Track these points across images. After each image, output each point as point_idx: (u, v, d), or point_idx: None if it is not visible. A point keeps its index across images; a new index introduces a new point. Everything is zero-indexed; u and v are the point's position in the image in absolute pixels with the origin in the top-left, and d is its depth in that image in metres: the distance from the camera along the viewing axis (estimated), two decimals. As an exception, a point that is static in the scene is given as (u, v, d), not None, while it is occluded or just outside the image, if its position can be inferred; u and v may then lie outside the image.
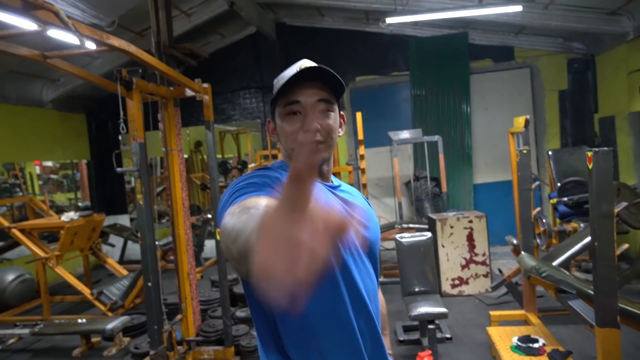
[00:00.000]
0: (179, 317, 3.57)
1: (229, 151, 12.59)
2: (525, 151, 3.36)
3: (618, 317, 2.11)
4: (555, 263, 3.30)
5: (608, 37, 5.75)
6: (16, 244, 5.93)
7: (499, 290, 4.75)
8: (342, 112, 1.10)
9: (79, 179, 10.58)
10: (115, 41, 2.49)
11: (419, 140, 6.24)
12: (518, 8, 4.45)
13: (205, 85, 3.56)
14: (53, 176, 12.63)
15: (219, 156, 12.61)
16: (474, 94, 6.87)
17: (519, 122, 4.83)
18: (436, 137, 5.98)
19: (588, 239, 3.45)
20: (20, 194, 9.56)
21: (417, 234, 3.79)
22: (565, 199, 4.80)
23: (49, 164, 12.13)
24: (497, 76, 6.87)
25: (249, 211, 0.67)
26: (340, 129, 1.08)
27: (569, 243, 3.67)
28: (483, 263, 4.89)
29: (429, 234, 3.75)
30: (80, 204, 10.15)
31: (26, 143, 6.50)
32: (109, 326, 3.95)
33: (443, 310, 3.26)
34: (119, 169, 2.99)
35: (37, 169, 12.02)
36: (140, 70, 3.23)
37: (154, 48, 3.63)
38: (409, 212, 7.05)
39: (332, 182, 1.12)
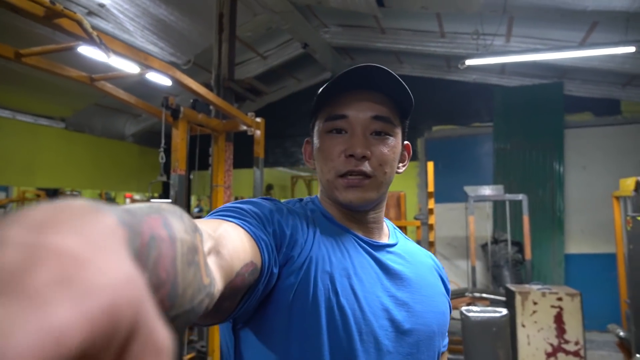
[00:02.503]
0: (202, 372, 3.18)
1: (300, 196, 12.50)
2: (639, 218, 2.62)
3: None
4: (682, 372, 2.43)
5: None
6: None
7: (597, 392, 3.76)
8: (407, 142, 0.79)
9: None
10: (157, 63, 2.32)
11: (499, 198, 5.48)
12: (630, 49, 3.74)
13: (259, 119, 3.32)
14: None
15: (290, 200, 12.58)
16: (568, 150, 6.01)
17: (627, 184, 4.04)
18: (520, 196, 5.20)
19: None
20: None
21: (490, 308, 3.10)
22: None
23: (138, 197, 12.92)
24: (599, 132, 5.97)
25: None
26: (401, 164, 0.77)
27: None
28: (576, 354, 3.92)
29: (504, 311, 3.04)
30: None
31: (105, 173, 6.82)
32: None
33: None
34: (152, 200, 2.77)
35: (128, 202, 12.89)
36: (191, 100, 3.08)
37: (213, 80, 3.51)
38: (484, 279, 6.18)
39: (383, 240, 0.76)
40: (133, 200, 12.91)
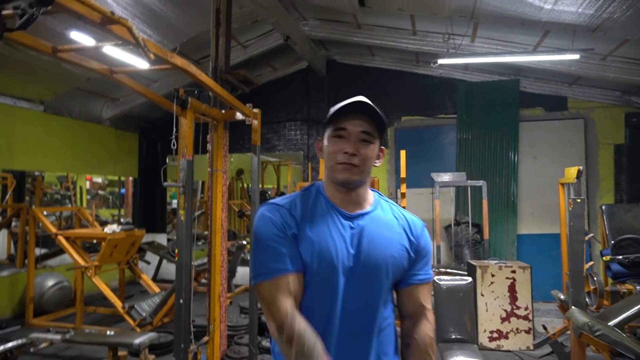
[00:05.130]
0: (205, 338, 3.53)
1: (268, 182, 12.78)
2: (579, 200, 3.19)
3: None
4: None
5: (670, 92, 5.52)
6: (59, 252, 6.15)
7: (542, 350, 4.42)
8: (382, 147, 1.26)
9: (125, 195, 10.99)
10: (178, 60, 2.61)
11: (462, 184, 6.09)
12: (575, 56, 4.36)
13: (256, 110, 3.65)
14: (101, 192, 13.23)
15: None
16: (522, 141, 6.70)
17: (571, 172, 4.65)
18: (480, 182, 5.83)
19: (646, 302, 3.17)
20: (70, 205, 9.98)
21: (457, 277, 3.63)
22: (621, 257, 4.48)
23: (99, 180, 12.68)
24: (549, 125, 6.69)
25: (271, 309, 1.11)
26: (377, 160, 1.24)
27: (623, 305, 3.39)
28: (525, 317, 4.58)
29: (469, 279, 3.58)
30: (122, 220, 10.49)
31: (82, 156, 6.85)
32: (137, 341, 3.93)
33: (481, 362, 3.05)
34: (165, 183, 3.06)
35: (87, 184, 12.61)
36: (195, 92, 3.36)
37: (211, 72, 3.79)
38: (447, 257, 6.81)
39: (360, 210, 1.22)
40: (92, 183, 12.71)
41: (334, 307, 1.14)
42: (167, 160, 7.58)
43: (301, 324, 1.06)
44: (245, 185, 12.23)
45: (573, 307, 2.94)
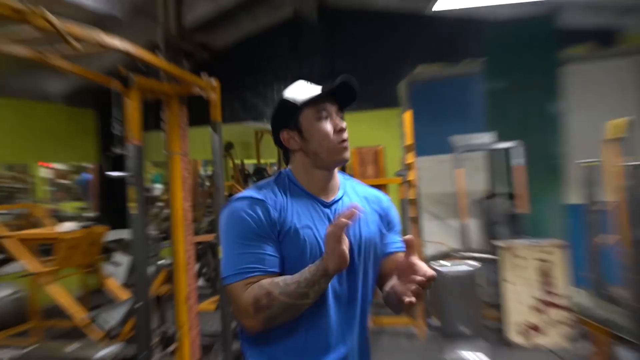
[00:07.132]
0: (172, 347, 4.05)
1: (269, 155, 13.18)
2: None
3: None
4: None
5: None
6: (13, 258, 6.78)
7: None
8: None
9: (89, 185, 11.55)
10: (109, 40, 3.02)
11: (490, 147, 6.37)
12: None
13: (213, 81, 4.05)
14: (62, 181, 13.87)
15: (255, 162, 13.25)
16: (569, 89, 6.89)
17: (618, 125, 4.86)
18: (512, 144, 6.09)
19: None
20: (23, 200, 10.63)
21: (462, 262, 4.03)
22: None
23: (60, 166, 13.29)
24: (601, 67, 6.86)
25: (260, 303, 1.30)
26: None
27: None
28: (564, 307, 4.94)
29: (476, 264, 3.98)
30: (88, 214, 11.11)
31: (29, 142, 7.37)
32: (97, 355, 4.50)
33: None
34: (109, 173, 3.53)
35: (46, 172, 13.20)
36: (141, 66, 3.78)
37: (159, 38, 4.19)
38: (480, 237, 7.12)
39: (333, 196, 1.51)
40: (54, 171, 13.35)
41: (326, 300, 1.40)
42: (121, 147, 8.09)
43: (273, 279, 1.32)
44: (237, 161, 12.64)
45: (575, 287, 3.32)
